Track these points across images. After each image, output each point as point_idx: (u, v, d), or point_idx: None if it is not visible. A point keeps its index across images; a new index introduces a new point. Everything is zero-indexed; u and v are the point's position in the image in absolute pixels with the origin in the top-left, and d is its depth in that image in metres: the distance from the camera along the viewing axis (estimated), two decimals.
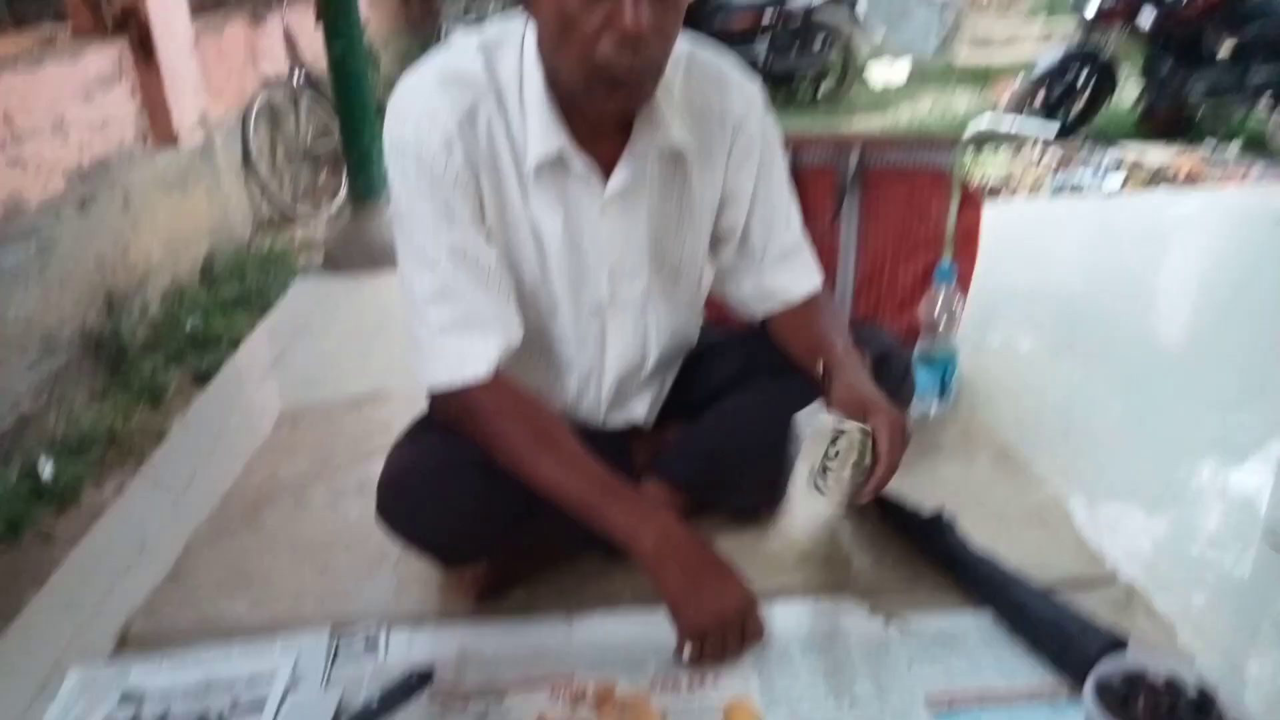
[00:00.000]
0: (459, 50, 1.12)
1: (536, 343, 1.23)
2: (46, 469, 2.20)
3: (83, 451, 2.28)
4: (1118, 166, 4.38)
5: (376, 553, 1.31)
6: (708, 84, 1.19)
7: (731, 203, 1.27)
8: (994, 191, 4.21)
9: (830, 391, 1.19)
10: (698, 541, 1.09)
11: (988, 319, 2.04)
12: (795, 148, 1.72)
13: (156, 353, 2.72)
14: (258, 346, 2.20)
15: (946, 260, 1.70)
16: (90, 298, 2.64)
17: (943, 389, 1.67)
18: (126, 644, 1.17)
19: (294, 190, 4.23)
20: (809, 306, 1.31)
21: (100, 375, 2.59)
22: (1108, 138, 4.79)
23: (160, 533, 1.40)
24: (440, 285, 1.09)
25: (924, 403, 1.68)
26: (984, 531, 1.27)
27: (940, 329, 1.64)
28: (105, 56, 2.99)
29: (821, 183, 1.73)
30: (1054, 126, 4.79)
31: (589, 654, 1.13)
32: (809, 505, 1.11)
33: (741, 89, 1.22)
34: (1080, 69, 4.86)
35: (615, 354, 1.27)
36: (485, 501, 1.12)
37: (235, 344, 2.39)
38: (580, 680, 1.08)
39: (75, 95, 2.79)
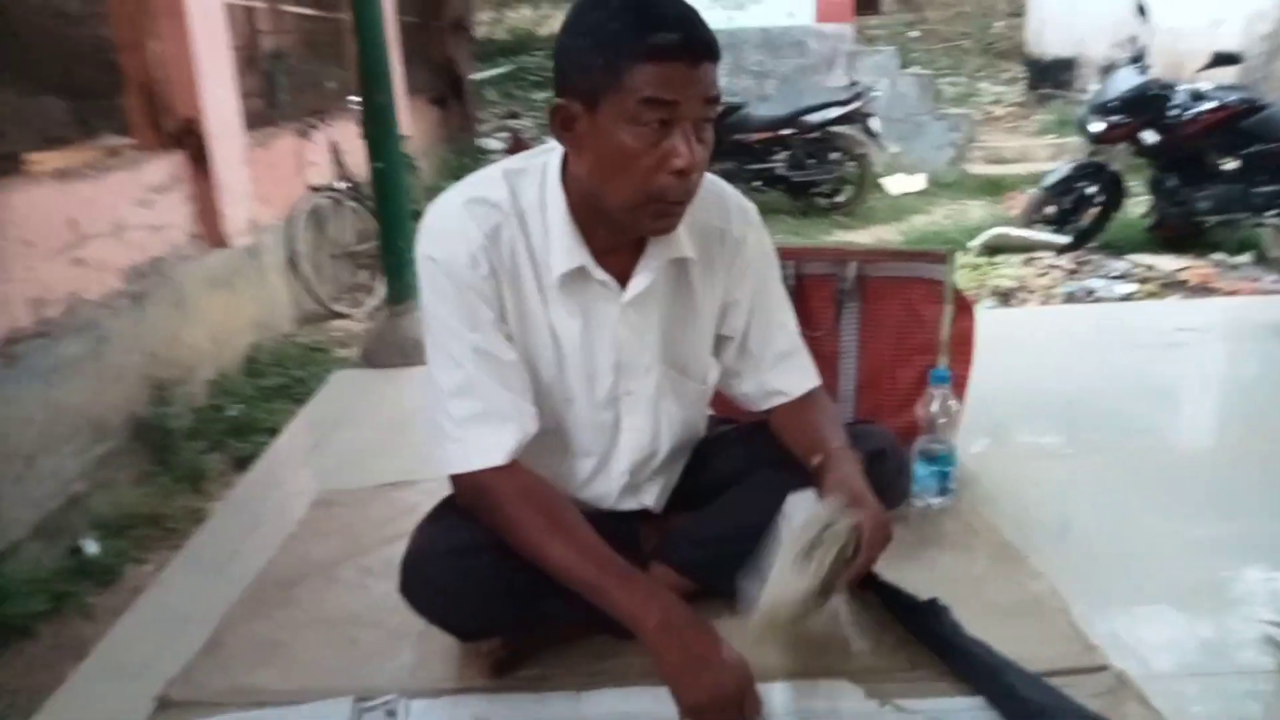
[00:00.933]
0: (485, 177, 1.27)
1: (553, 431, 1.34)
2: (91, 546, 2.31)
3: (126, 531, 2.39)
4: (1129, 274, 4.50)
5: (399, 629, 1.38)
6: (710, 205, 1.33)
7: (732, 310, 1.39)
8: (1005, 297, 4.34)
9: (823, 485, 1.27)
10: (699, 622, 1.16)
11: (992, 418, 2.12)
12: (798, 258, 1.86)
13: (199, 439, 2.85)
14: (296, 434, 2.33)
15: (942, 365, 1.80)
16: (140, 386, 2.80)
17: (942, 484, 1.75)
18: (165, 710, 1.25)
19: (335, 288, 4.45)
20: (807, 403, 1.42)
21: (145, 459, 2.72)
22: (1119, 248, 4.91)
23: (199, 607, 1.49)
24: (463, 381, 1.21)
25: (924, 497, 1.75)
26: (978, 620, 1.33)
27: (937, 428, 1.73)
28: (163, 167, 3.23)
29: (823, 291, 1.85)
30: (1065, 237, 4.94)
31: None
32: (789, 581, 1.18)
33: (740, 207, 1.37)
34: (1090, 182, 5.02)
35: (628, 442, 1.38)
36: (499, 582, 1.21)
37: (275, 431, 2.52)
38: None
39: (134, 201, 3.01)
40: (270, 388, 3.26)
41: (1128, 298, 4.18)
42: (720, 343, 1.42)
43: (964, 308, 1.88)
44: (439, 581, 1.23)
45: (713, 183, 1.35)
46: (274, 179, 4.14)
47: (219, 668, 1.33)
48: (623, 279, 1.28)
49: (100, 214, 2.80)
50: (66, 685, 1.34)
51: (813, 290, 1.86)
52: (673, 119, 1.10)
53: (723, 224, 1.34)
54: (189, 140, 3.38)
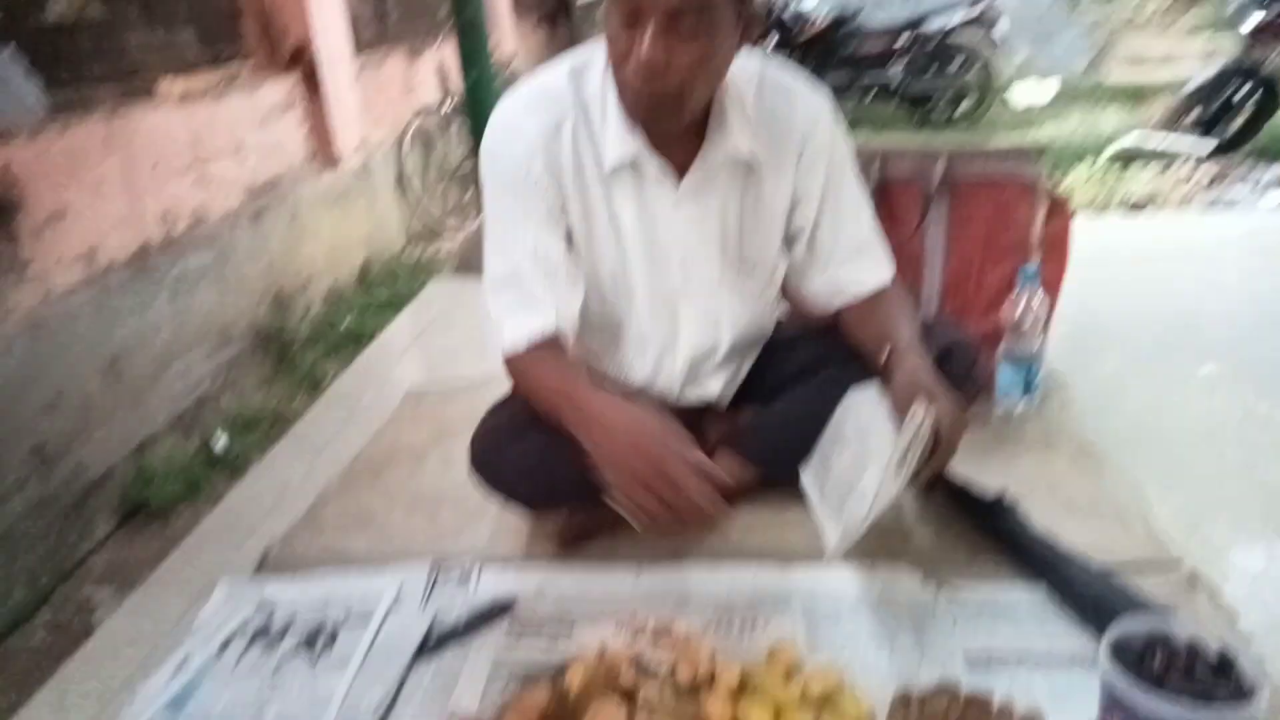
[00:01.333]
0: (552, 72, 1.29)
1: (618, 323, 1.38)
2: (220, 442, 2.52)
3: (251, 429, 2.59)
4: (1278, 183, 4.15)
5: (477, 508, 1.47)
6: (778, 98, 1.30)
7: (802, 204, 1.37)
8: (1137, 208, 4.07)
9: (891, 380, 1.25)
10: (646, 412, 1.17)
11: (1093, 326, 2.04)
12: (883, 158, 1.80)
13: (317, 346, 3.04)
14: (393, 336, 2.45)
15: (1032, 264, 1.73)
16: (261, 297, 2.99)
17: (1027, 388, 1.70)
18: (265, 567, 1.39)
19: (443, 206, 4.59)
20: (878, 299, 1.39)
21: (267, 364, 2.93)
22: (1271, 155, 4.52)
23: (300, 484, 1.62)
24: (509, 272, 1.27)
25: (1008, 400, 1.71)
26: (1052, 518, 1.31)
27: (1024, 329, 1.67)
28: (279, 89, 3.38)
29: (909, 191, 1.79)
30: (1209, 144, 4.57)
31: (652, 598, 1.25)
32: (889, 488, 1.17)
33: (808, 100, 1.33)
34: (1239, 85, 4.62)
35: (687, 337, 1.40)
36: (553, 455, 1.26)
37: None
38: (642, 618, 1.20)
39: (252, 123, 3.17)
40: (381, 300, 3.42)
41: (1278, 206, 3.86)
42: (790, 238, 1.41)
43: (1058, 207, 1.79)
44: (501, 456, 1.31)
45: (783, 74, 1.32)
46: (384, 100, 4.27)
47: (314, 534, 1.45)
48: (682, 171, 1.28)
49: (221, 135, 2.97)
50: (181, 545, 1.51)
51: (898, 191, 1.80)
52: (637, 18, 1.10)
53: (790, 115, 1.31)
54: (302, 63, 3.52)
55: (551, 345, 1.26)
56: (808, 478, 1.36)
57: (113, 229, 2.43)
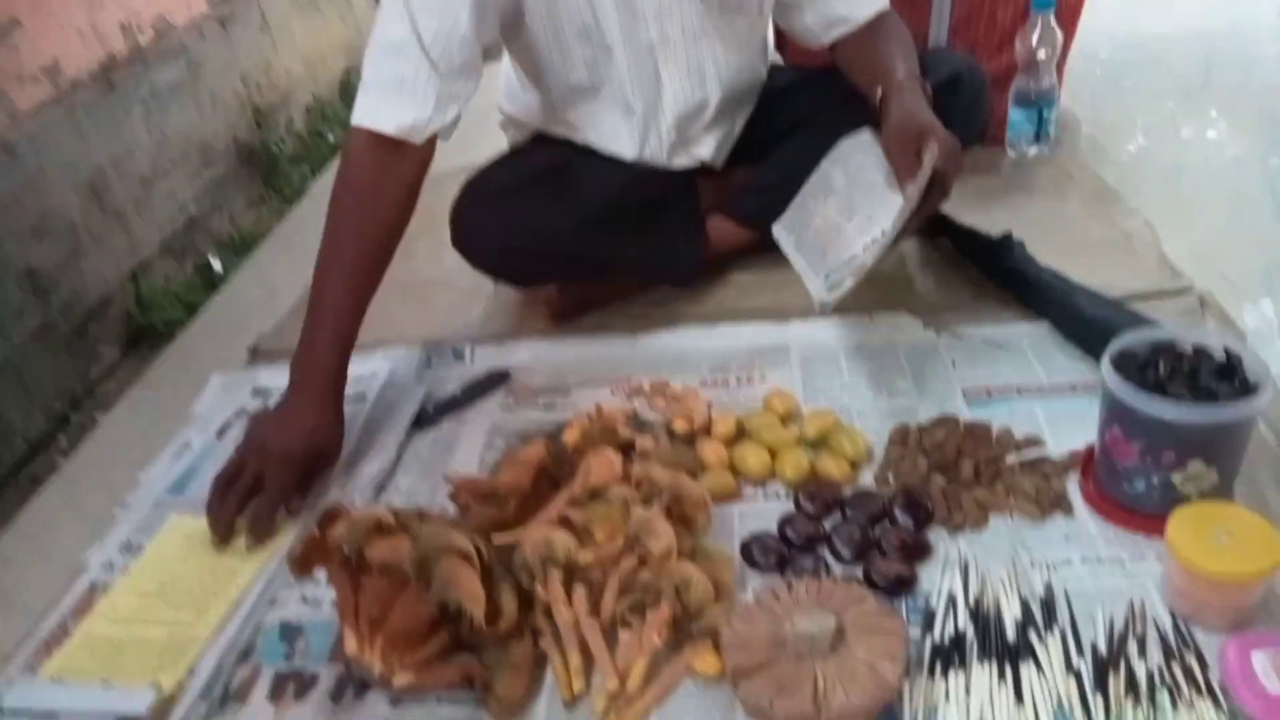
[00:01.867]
0: None
1: (597, 87, 1.28)
2: (216, 264, 2.48)
3: (245, 250, 2.55)
4: None
5: (470, 293, 1.45)
6: None
7: None
8: None
9: (885, 118, 1.16)
10: (331, 404, 1.09)
11: (1109, 63, 1.90)
12: None
13: (304, 163, 2.94)
14: None
15: None
16: (240, 112, 2.87)
17: (1040, 129, 1.60)
18: (257, 357, 1.38)
19: None
20: (874, 31, 1.28)
21: (255, 183, 2.85)
22: None
23: (288, 280, 1.59)
24: (400, 40, 1.09)
25: (1019, 144, 1.62)
26: (1063, 257, 1.25)
27: (1038, 65, 1.55)
28: None
29: None
30: None
31: (648, 362, 1.23)
32: (887, 232, 1.09)
33: None
34: None
35: (672, 94, 1.30)
36: (536, 224, 1.21)
37: None
38: (637, 380, 1.18)
39: None
40: None
41: None
42: None
43: None
44: (482, 229, 1.25)
45: None
46: None
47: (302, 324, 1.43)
48: None
49: None
50: (175, 341, 1.52)
51: None
52: None
53: None
54: None
55: (404, 158, 1.11)
56: (780, 230, 1.28)
57: (73, 42, 2.30)
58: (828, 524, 0.94)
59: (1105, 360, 0.88)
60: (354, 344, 1.11)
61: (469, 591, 0.77)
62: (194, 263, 2.49)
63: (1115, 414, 0.87)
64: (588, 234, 1.23)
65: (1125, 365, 0.88)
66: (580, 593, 0.83)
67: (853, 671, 0.71)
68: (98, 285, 2.22)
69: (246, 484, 1.01)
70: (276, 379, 1.27)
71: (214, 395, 1.29)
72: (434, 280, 1.50)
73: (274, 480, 1.01)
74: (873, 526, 0.92)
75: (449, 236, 1.32)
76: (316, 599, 0.93)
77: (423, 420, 1.18)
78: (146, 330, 2.27)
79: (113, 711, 0.83)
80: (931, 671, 0.77)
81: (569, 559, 0.84)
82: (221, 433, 1.19)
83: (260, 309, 1.52)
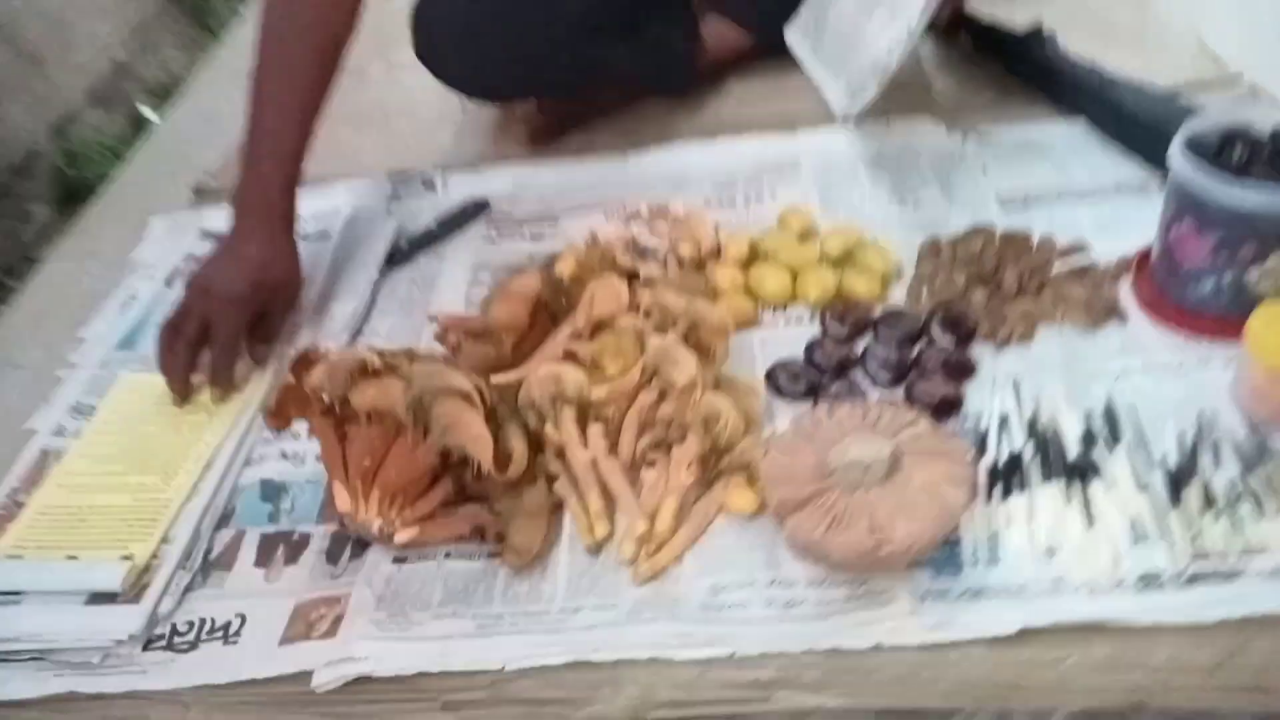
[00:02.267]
0: None
1: None
2: (148, 112, 2.27)
3: (177, 94, 2.33)
4: None
5: (435, 117, 1.31)
6: None
7: None
8: None
9: None
10: (281, 233, 0.97)
11: None
12: None
13: None
14: None
15: None
16: None
17: None
18: (203, 197, 1.24)
19: None
20: None
21: (185, 23, 2.59)
22: None
23: (229, 113, 1.41)
24: None
25: None
26: (1094, 50, 1.11)
27: None
28: None
29: None
30: None
31: (644, 182, 1.11)
32: (912, 30, 0.97)
33: None
34: None
35: None
36: (507, 29, 1.06)
37: None
38: (634, 203, 1.06)
39: None
40: None
41: None
42: None
43: None
44: (445, 25, 1.09)
45: None
46: None
47: None
48: None
49: None
50: (115, 181, 1.37)
51: None
52: None
53: None
54: None
55: None
56: (794, 35, 1.17)
57: None
58: (859, 346, 0.85)
59: (1176, 147, 0.78)
60: (301, 167, 0.96)
61: (473, 435, 0.68)
62: (125, 113, 2.27)
63: (1185, 207, 0.77)
64: (569, 36, 1.08)
65: (1197, 150, 0.78)
66: (596, 431, 0.74)
67: (912, 500, 0.64)
68: (21, 139, 2.03)
69: (194, 331, 0.89)
70: (226, 220, 1.14)
71: (157, 240, 1.15)
72: (394, 107, 1.35)
73: (224, 324, 0.89)
74: (909, 346, 0.84)
75: (406, 57, 1.16)
76: (298, 454, 0.84)
77: (396, 257, 1.06)
78: (79, 186, 2.08)
79: (83, 586, 0.75)
80: (989, 496, 0.70)
81: (581, 396, 0.75)
82: (170, 281, 1.07)
83: (203, 147, 1.35)
